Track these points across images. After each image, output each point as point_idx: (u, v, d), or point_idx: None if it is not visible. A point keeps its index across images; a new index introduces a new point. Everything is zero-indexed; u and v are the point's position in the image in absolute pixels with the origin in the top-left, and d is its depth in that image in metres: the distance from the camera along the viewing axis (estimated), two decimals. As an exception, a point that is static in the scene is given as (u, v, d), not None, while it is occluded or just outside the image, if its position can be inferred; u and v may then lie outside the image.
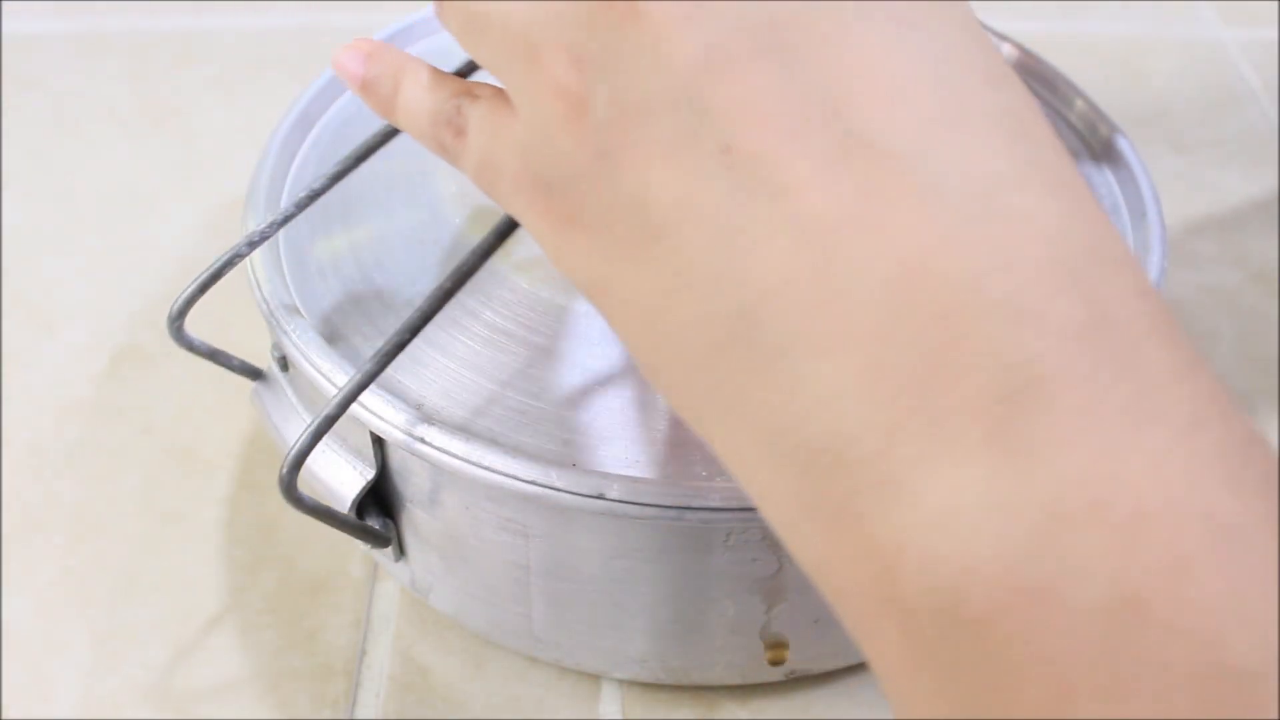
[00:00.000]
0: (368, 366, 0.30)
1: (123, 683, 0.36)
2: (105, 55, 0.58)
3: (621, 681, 0.36)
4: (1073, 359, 0.19)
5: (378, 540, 0.33)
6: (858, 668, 0.36)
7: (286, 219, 0.33)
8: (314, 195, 0.33)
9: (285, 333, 0.32)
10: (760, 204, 0.20)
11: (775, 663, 0.34)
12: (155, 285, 0.47)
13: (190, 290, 0.32)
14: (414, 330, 0.30)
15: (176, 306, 0.32)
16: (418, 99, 0.28)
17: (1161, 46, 0.60)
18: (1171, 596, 0.18)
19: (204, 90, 0.56)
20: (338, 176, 0.33)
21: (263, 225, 0.33)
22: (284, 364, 0.34)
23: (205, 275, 0.32)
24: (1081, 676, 0.18)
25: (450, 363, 0.32)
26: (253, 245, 0.33)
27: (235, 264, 0.32)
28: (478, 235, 0.33)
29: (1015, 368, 0.19)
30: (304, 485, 0.33)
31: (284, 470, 0.29)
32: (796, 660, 0.34)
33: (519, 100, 0.24)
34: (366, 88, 0.29)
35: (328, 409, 0.29)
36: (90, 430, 0.42)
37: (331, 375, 0.31)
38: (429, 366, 0.32)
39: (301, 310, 0.33)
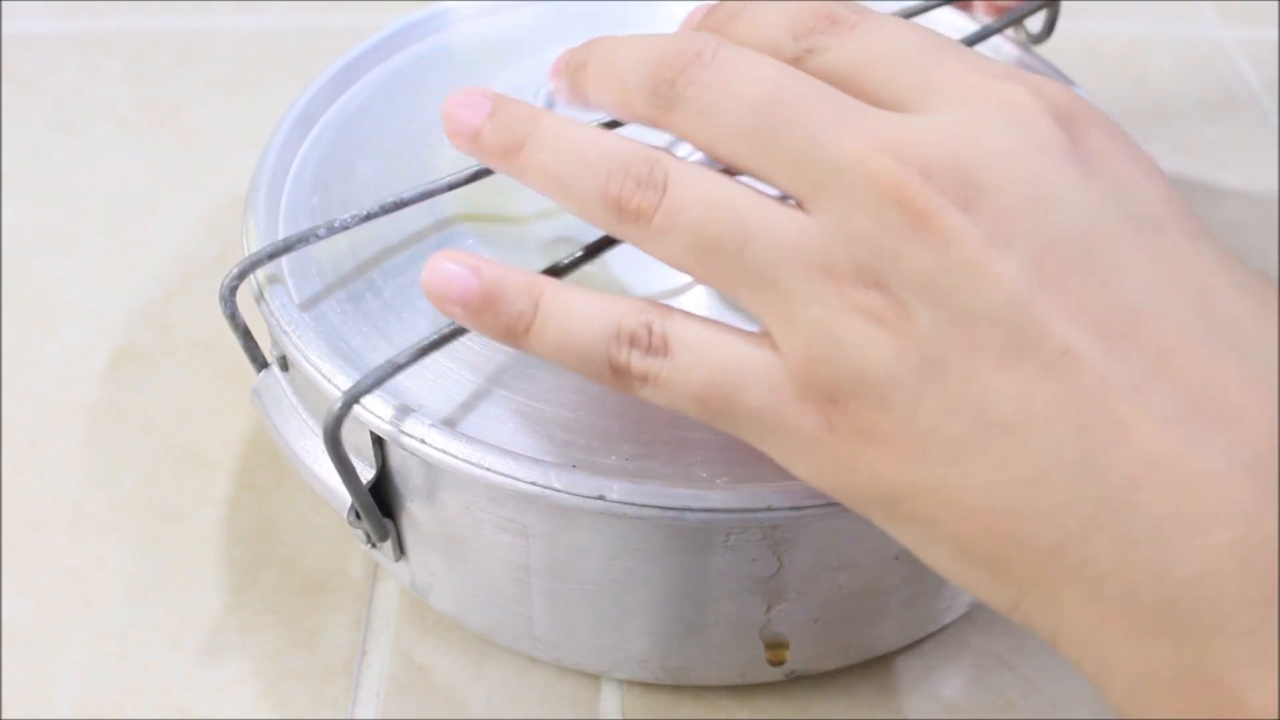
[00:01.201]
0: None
1: (123, 683, 0.36)
2: (105, 55, 0.58)
3: (621, 681, 0.36)
4: None
5: (380, 530, 0.33)
6: (858, 668, 0.36)
7: (370, 216, 0.33)
8: (401, 204, 0.34)
9: (285, 333, 0.32)
10: (1115, 398, 0.23)
11: (775, 663, 0.34)
12: (155, 285, 0.47)
13: (258, 256, 0.32)
14: None
15: (239, 268, 0.32)
16: (585, 315, 0.27)
17: (1161, 46, 0.60)
18: None
19: (204, 90, 0.56)
20: (427, 194, 0.34)
21: (345, 216, 0.33)
22: (284, 364, 0.34)
23: (277, 245, 0.32)
24: None
25: (450, 363, 0.32)
26: (331, 230, 0.33)
27: (311, 241, 0.33)
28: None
29: None
30: (304, 484, 0.33)
31: (333, 412, 0.29)
32: (796, 660, 0.34)
33: (789, 316, 0.25)
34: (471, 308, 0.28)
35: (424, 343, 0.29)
36: (90, 430, 0.42)
37: (331, 375, 0.31)
38: (429, 367, 0.32)
39: (301, 310, 0.33)
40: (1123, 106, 0.39)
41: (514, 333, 0.28)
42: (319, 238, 0.33)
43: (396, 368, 0.29)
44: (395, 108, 0.40)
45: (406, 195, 0.34)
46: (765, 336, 0.26)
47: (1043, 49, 0.42)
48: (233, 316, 0.32)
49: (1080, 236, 0.24)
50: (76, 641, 0.36)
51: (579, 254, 0.31)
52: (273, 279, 0.33)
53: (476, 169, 0.34)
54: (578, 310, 0.27)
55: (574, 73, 0.31)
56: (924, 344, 0.24)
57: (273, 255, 0.33)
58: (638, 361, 0.27)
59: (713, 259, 0.26)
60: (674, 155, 0.28)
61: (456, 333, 0.30)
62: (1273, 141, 0.54)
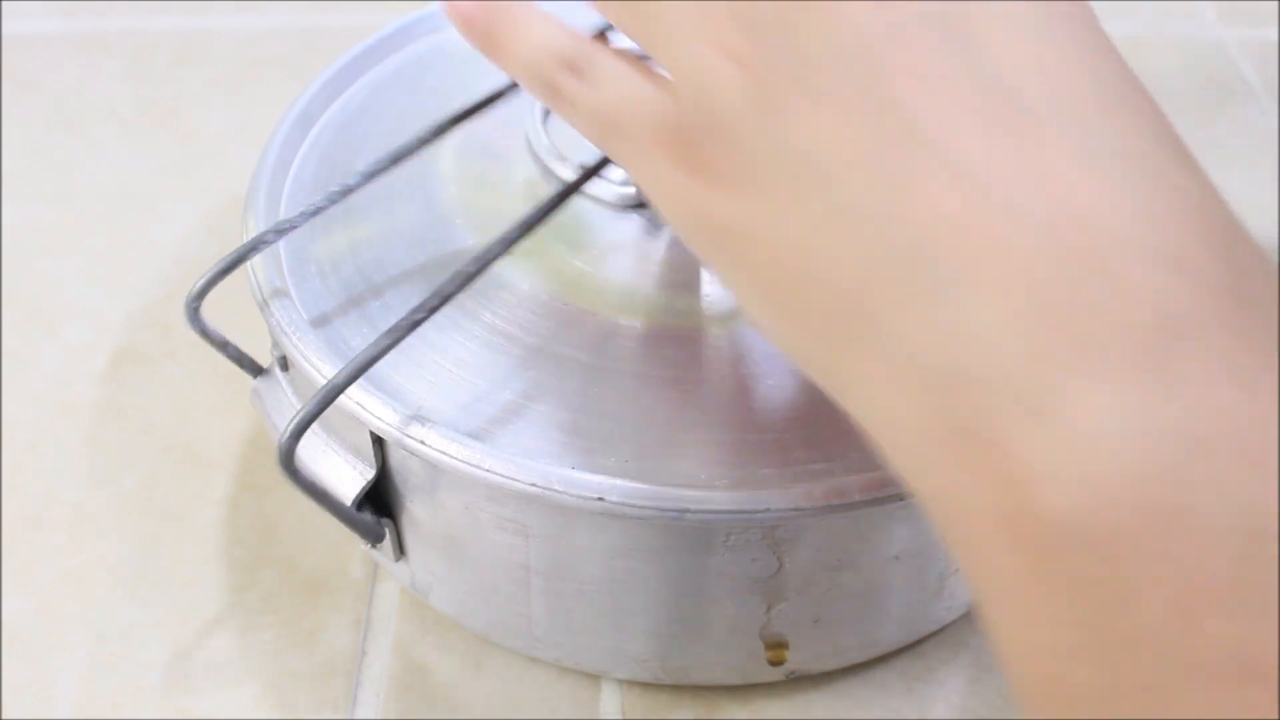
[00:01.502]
0: (399, 327, 0.30)
1: (123, 683, 0.36)
2: (105, 55, 0.58)
3: (621, 681, 0.36)
4: (1219, 310, 0.20)
5: (371, 534, 0.33)
6: (858, 668, 0.36)
7: (316, 210, 0.33)
8: (347, 190, 0.33)
9: (285, 333, 0.32)
10: (927, 153, 0.22)
11: (775, 663, 0.34)
12: (155, 285, 0.47)
13: (212, 273, 0.32)
14: (444, 297, 0.30)
15: (196, 288, 0.32)
16: (542, 34, 0.28)
17: (1161, 46, 0.60)
18: None
19: (204, 90, 0.56)
20: (373, 174, 0.34)
21: (293, 215, 0.33)
22: (284, 364, 0.34)
23: (230, 259, 0.32)
24: (1209, 593, 0.19)
25: (450, 364, 0.32)
26: (280, 233, 0.33)
27: (260, 250, 0.33)
28: (479, 239, 0.33)
29: (1165, 306, 0.20)
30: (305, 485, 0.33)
31: (284, 438, 0.29)
32: (796, 660, 0.34)
33: (676, 57, 0.25)
34: (472, 22, 0.30)
35: (348, 369, 0.29)
36: (90, 430, 0.42)
37: (331, 375, 0.31)
38: (429, 368, 0.32)
39: (301, 310, 0.33)
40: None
41: (489, 46, 0.29)
42: (268, 243, 0.33)
43: (337, 389, 0.29)
44: (395, 108, 0.40)
45: (354, 179, 0.34)
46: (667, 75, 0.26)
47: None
48: (204, 333, 0.32)
49: (959, 9, 0.23)
50: (76, 641, 0.36)
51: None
52: (273, 280, 0.34)
53: (442, 126, 0.34)
54: (535, 31, 0.29)
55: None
56: (768, 82, 0.24)
57: (226, 270, 0.32)
58: (564, 81, 0.28)
59: (623, 9, 0.27)
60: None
61: (398, 340, 0.30)
62: (1273, 141, 0.54)
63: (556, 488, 0.29)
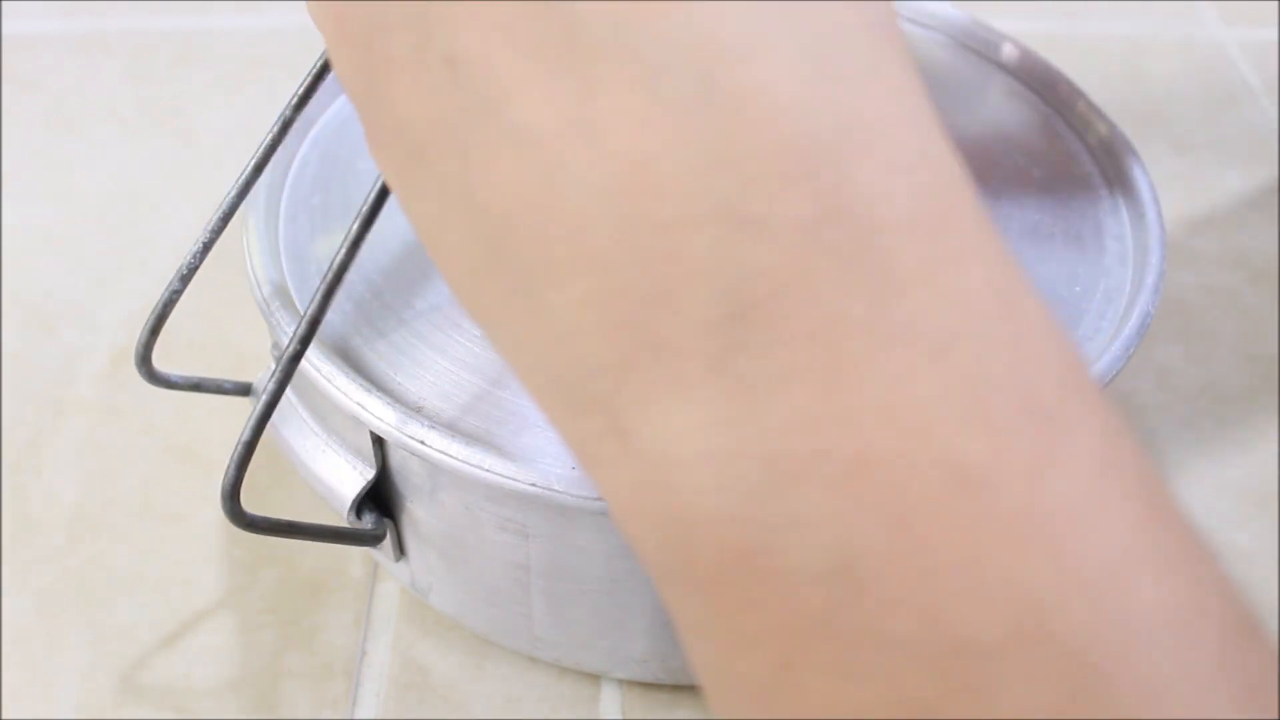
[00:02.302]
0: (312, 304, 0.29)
1: (123, 683, 0.36)
2: (105, 55, 0.58)
3: (621, 681, 0.36)
4: (800, 269, 0.16)
5: (362, 540, 0.33)
6: (858, 668, 0.36)
7: (206, 247, 0.33)
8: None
9: (285, 333, 0.32)
10: (488, 117, 0.18)
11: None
12: (155, 285, 0.47)
13: (144, 335, 0.32)
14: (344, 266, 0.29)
15: (139, 352, 0.32)
16: None
17: (1161, 46, 0.60)
18: (889, 560, 0.15)
19: (204, 90, 0.56)
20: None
21: (190, 256, 0.33)
22: (284, 364, 0.34)
23: (152, 319, 0.33)
24: (802, 649, 0.16)
25: (450, 364, 0.32)
26: (184, 280, 0.33)
27: (175, 301, 0.33)
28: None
29: (736, 286, 0.16)
30: (305, 485, 0.33)
31: (228, 476, 0.28)
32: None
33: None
34: None
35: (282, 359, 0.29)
36: (90, 430, 0.42)
37: (331, 375, 0.31)
38: (429, 368, 0.32)
39: (301, 310, 0.33)
40: (1123, 106, 0.39)
41: None
42: (178, 292, 0.33)
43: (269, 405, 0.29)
44: (395, 108, 0.40)
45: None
46: None
47: (1043, 49, 0.42)
48: (169, 384, 0.33)
49: None
50: (76, 641, 0.36)
51: None
52: (273, 280, 0.34)
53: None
54: None
55: None
56: (357, 49, 0.20)
57: (161, 318, 0.32)
58: None
59: None
60: None
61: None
62: (1273, 141, 0.54)
63: (556, 488, 0.29)
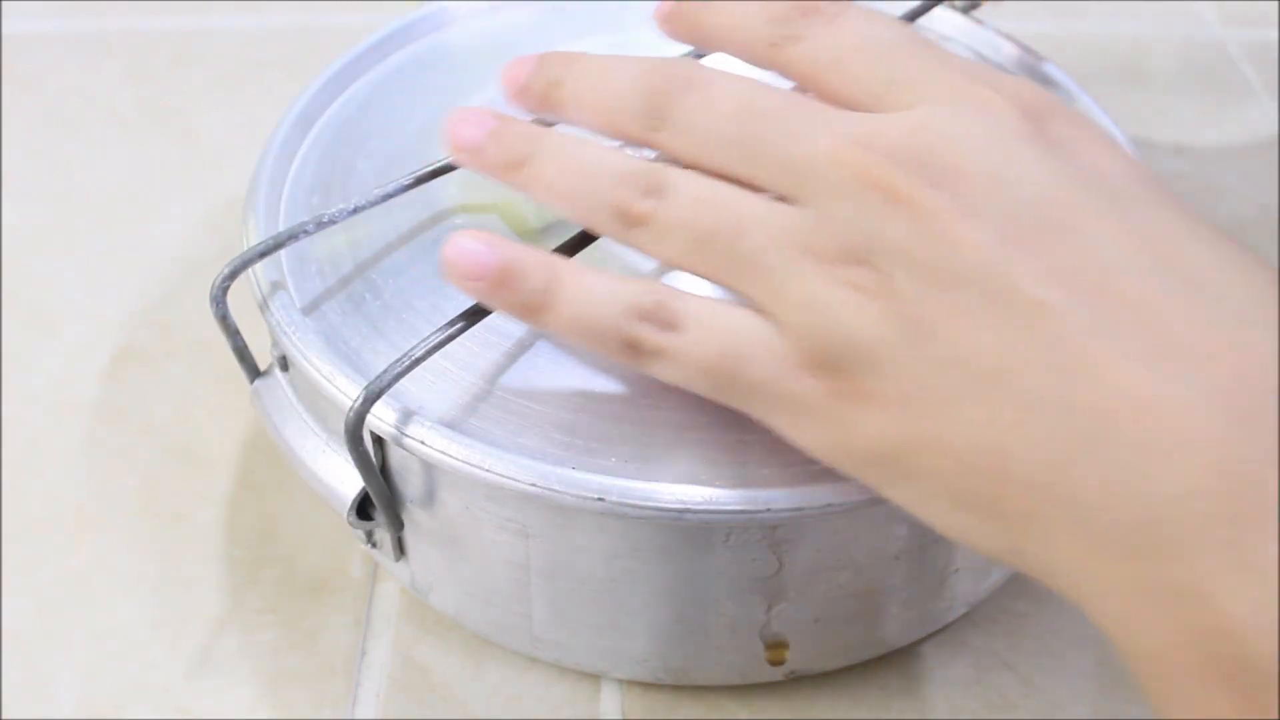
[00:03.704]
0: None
1: (123, 683, 0.36)
2: (105, 55, 0.58)
3: (621, 681, 0.36)
4: None
5: (392, 519, 0.33)
6: (858, 668, 0.36)
7: (357, 209, 0.34)
8: (387, 195, 0.34)
9: (285, 333, 0.32)
10: (1086, 341, 0.24)
11: (775, 663, 0.34)
12: (155, 285, 0.47)
13: (248, 256, 0.32)
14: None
15: (229, 268, 0.32)
16: (605, 289, 0.29)
17: (1161, 46, 0.60)
18: None
19: (204, 90, 0.56)
20: (420, 180, 0.34)
21: (333, 210, 0.33)
22: (284, 364, 0.34)
23: (268, 242, 0.33)
24: None
25: (450, 365, 0.32)
26: (319, 225, 0.33)
27: (300, 237, 0.33)
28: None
29: None
30: (304, 484, 0.33)
31: (360, 400, 0.29)
32: (796, 660, 0.34)
33: (786, 297, 0.27)
34: (502, 284, 0.29)
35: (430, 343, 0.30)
36: (90, 430, 0.42)
37: (331, 376, 0.31)
38: (429, 368, 0.32)
39: (301, 310, 0.33)
40: (1123, 106, 0.39)
41: (530, 308, 0.29)
42: (308, 233, 0.33)
43: (415, 361, 0.30)
44: (395, 108, 0.40)
45: (393, 186, 0.34)
46: (766, 314, 0.28)
47: (1043, 49, 0.42)
48: (224, 318, 0.32)
49: (1044, 206, 0.26)
50: (76, 641, 0.36)
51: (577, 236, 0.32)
52: (273, 279, 0.34)
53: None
54: (592, 287, 0.29)
55: (548, 88, 0.32)
56: (907, 308, 0.26)
57: (263, 254, 0.33)
58: (650, 335, 0.28)
59: (710, 250, 0.28)
60: (668, 165, 0.29)
61: (470, 323, 0.30)
62: (1273, 141, 0.54)
63: (556, 488, 0.29)
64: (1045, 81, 0.41)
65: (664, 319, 0.28)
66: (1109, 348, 0.24)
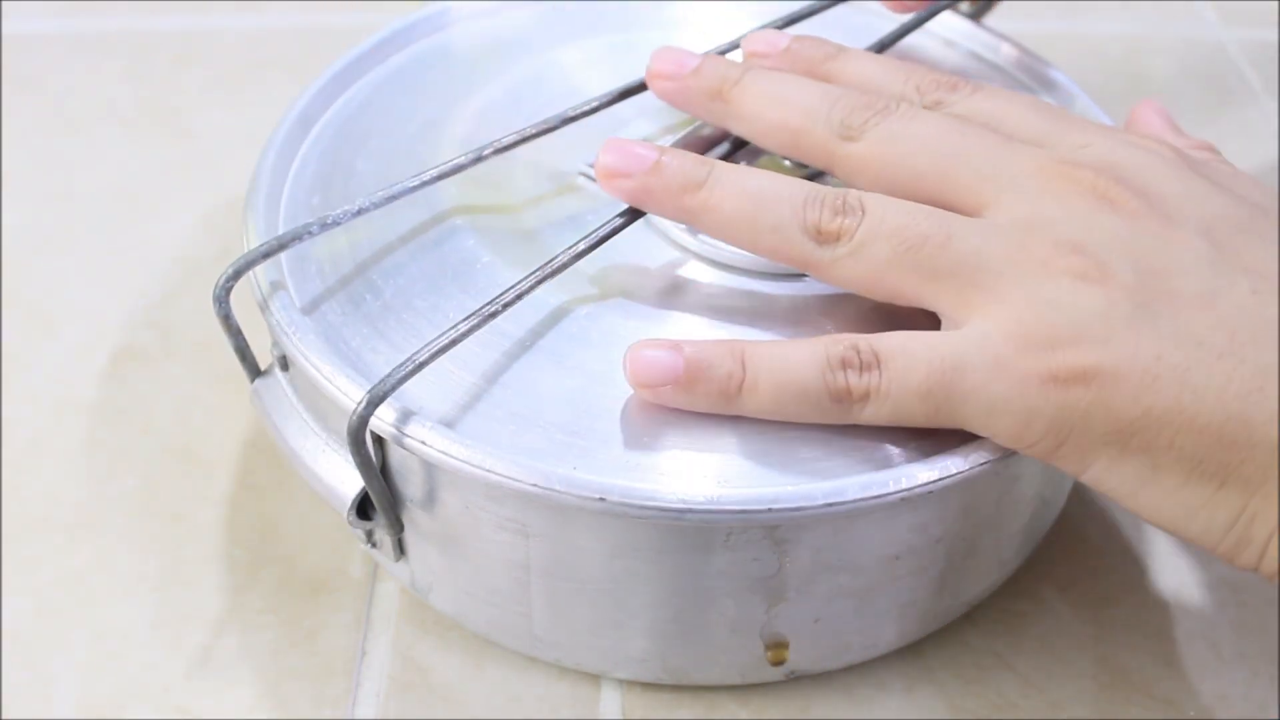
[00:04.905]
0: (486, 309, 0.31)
1: (123, 683, 0.36)
2: (105, 55, 0.58)
3: (621, 681, 0.36)
4: None
5: (391, 521, 0.33)
6: (858, 668, 0.36)
7: (360, 210, 0.33)
8: (391, 197, 0.34)
9: (285, 333, 0.32)
10: None
11: (775, 663, 0.34)
12: (155, 285, 0.47)
13: (251, 257, 0.32)
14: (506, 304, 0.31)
15: (233, 268, 0.32)
16: (793, 357, 0.29)
17: (1161, 46, 0.60)
18: None
19: (204, 90, 0.56)
20: (419, 186, 0.34)
21: (337, 212, 0.33)
22: (284, 363, 0.34)
23: (272, 243, 0.33)
24: None
25: (451, 365, 0.32)
26: (324, 226, 0.33)
27: (304, 238, 0.33)
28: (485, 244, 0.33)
29: None
30: (304, 484, 0.34)
31: (365, 401, 0.29)
32: (796, 660, 0.34)
33: (1002, 294, 0.29)
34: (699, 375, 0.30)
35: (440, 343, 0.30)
36: (90, 430, 0.42)
37: (332, 376, 0.31)
38: (429, 369, 0.32)
39: (301, 310, 0.33)
40: (1123, 106, 0.39)
41: (729, 394, 0.30)
42: (312, 234, 0.33)
43: (419, 365, 0.30)
44: (395, 108, 0.40)
45: (397, 188, 0.34)
46: (970, 323, 0.29)
47: (1043, 49, 0.42)
48: (226, 318, 0.32)
49: (1230, 219, 0.29)
50: (76, 641, 0.36)
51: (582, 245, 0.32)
52: (273, 280, 0.34)
53: (464, 162, 0.34)
54: (783, 355, 0.30)
55: (724, 84, 0.34)
56: (1132, 292, 0.28)
57: (267, 255, 0.33)
58: (856, 381, 0.29)
59: (916, 256, 0.29)
60: (851, 189, 0.31)
61: (476, 326, 0.30)
62: (1273, 142, 0.54)
63: (556, 488, 0.29)
64: (1046, 82, 0.41)
65: (865, 360, 0.29)
66: None
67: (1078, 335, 0.28)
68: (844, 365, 0.29)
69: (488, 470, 0.29)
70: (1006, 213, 0.30)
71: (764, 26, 0.38)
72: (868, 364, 0.29)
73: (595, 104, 0.36)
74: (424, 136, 0.39)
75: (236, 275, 0.32)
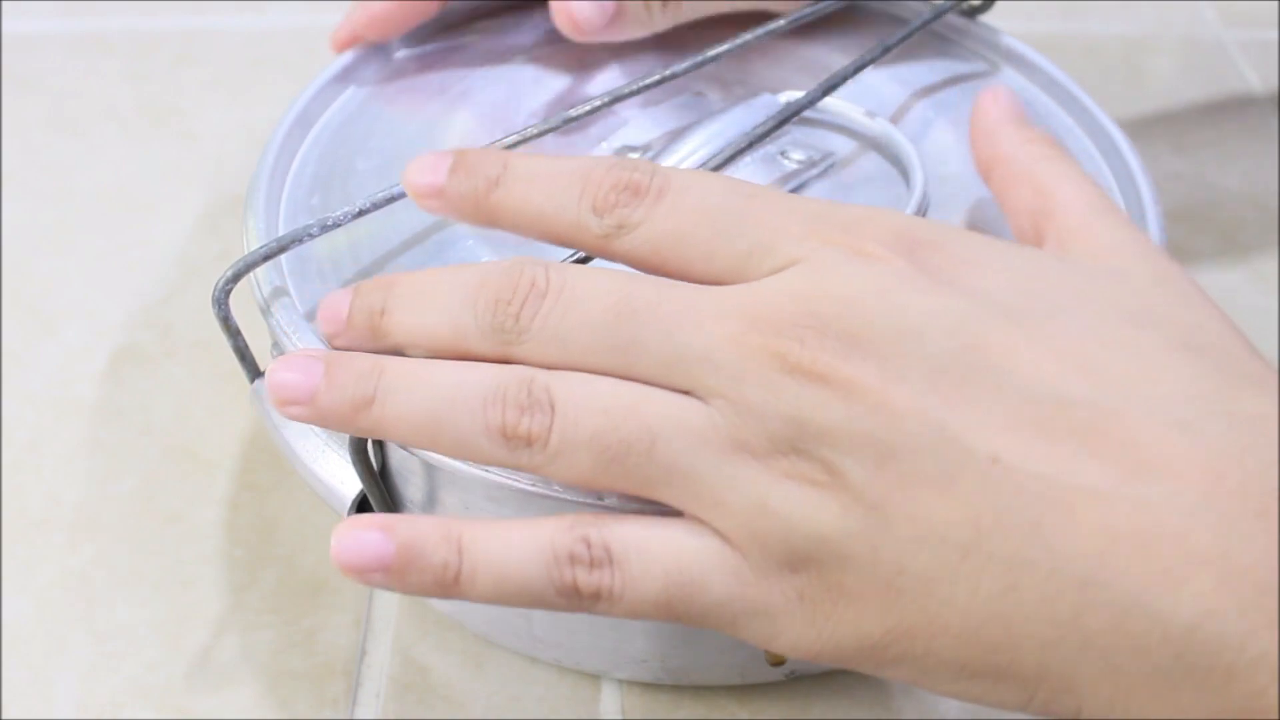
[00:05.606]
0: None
1: (123, 683, 0.36)
2: (105, 55, 0.58)
3: (621, 681, 0.36)
4: None
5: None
6: (858, 668, 0.36)
7: (362, 212, 0.33)
8: (392, 198, 0.33)
9: (285, 333, 0.32)
10: (1053, 488, 0.23)
11: (775, 663, 0.34)
12: (155, 285, 0.47)
13: (251, 259, 0.32)
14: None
15: (232, 271, 0.32)
16: (515, 543, 0.26)
17: (1161, 46, 0.60)
18: None
19: (204, 90, 0.56)
20: None
21: (338, 213, 0.33)
22: (284, 364, 0.34)
23: (271, 245, 0.32)
24: None
25: (450, 363, 0.32)
26: (324, 228, 0.33)
27: (304, 240, 0.33)
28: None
29: None
30: (304, 484, 0.33)
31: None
32: (797, 660, 0.34)
33: (725, 503, 0.25)
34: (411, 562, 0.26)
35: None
36: (90, 430, 0.42)
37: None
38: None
39: (301, 310, 0.33)
40: (1123, 106, 0.38)
41: (445, 584, 0.26)
42: (312, 236, 0.33)
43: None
44: (395, 108, 0.40)
45: (398, 189, 0.34)
46: (706, 525, 0.26)
47: (1043, 49, 0.42)
48: (225, 320, 0.32)
49: (960, 349, 0.25)
50: (76, 641, 0.36)
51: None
52: (274, 281, 0.34)
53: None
54: (504, 542, 0.26)
55: (373, 319, 0.29)
56: (862, 493, 0.24)
57: (266, 257, 0.33)
58: (585, 578, 0.26)
59: (621, 466, 0.26)
60: (545, 370, 0.27)
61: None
62: (1273, 141, 0.54)
63: (556, 488, 0.29)
64: (1046, 82, 0.41)
65: (595, 556, 0.26)
66: (1075, 484, 0.23)
67: (811, 554, 0.25)
68: (572, 560, 0.26)
69: (488, 470, 0.29)
70: (708, 398, 0.26)
71: (769, 30, 0.38)
72: (599, 561, 0.26)
73: (595, 104, 0.36)
74: (424, 137, 0.39)
75: (236, 278, 0.32)
